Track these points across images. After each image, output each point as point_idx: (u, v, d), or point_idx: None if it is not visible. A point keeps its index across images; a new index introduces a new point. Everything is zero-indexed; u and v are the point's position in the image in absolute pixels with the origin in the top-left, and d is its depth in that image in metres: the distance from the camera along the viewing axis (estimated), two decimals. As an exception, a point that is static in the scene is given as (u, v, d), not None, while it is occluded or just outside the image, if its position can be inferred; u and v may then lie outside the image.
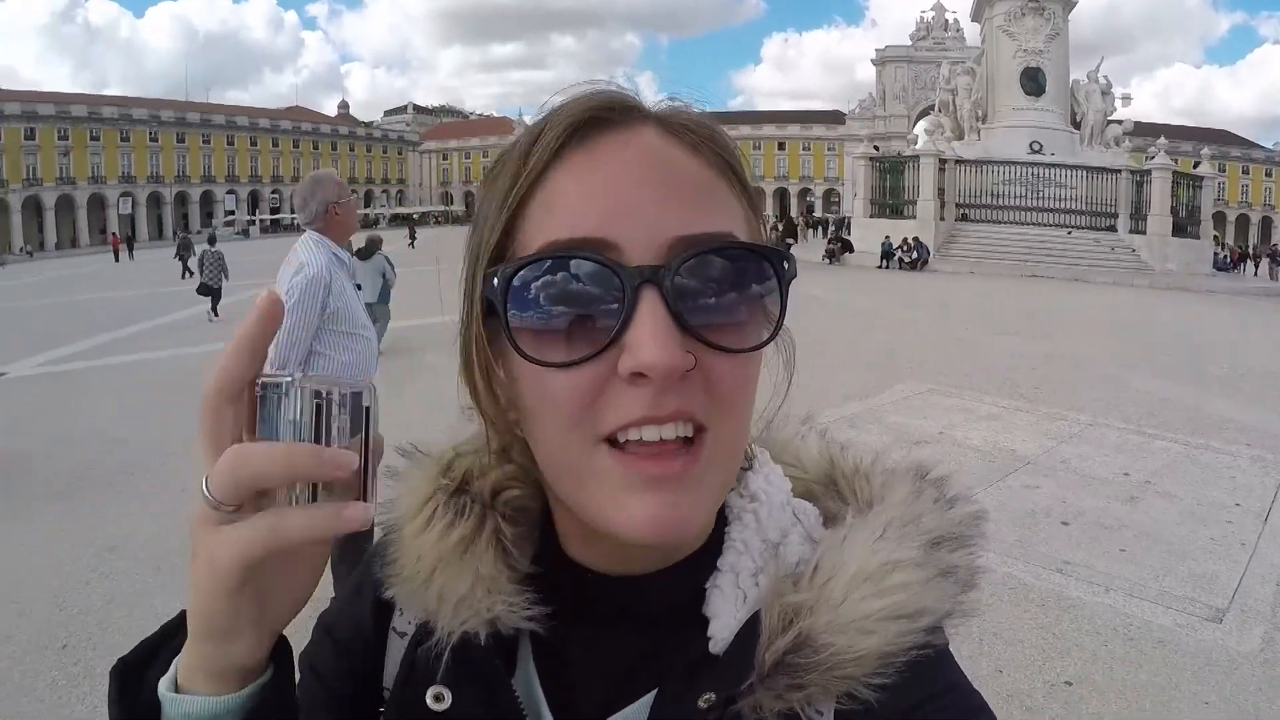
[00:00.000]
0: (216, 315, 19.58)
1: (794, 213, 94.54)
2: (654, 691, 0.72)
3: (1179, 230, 34.39)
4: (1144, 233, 33.95)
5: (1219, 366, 13.43)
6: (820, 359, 12.23)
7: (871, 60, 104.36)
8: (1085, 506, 6.92)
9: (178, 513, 6.40)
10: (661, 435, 0.62)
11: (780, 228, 52.38)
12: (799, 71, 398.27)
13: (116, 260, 55.83)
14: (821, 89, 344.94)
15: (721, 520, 0.76)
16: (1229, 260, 48.57)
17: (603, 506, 0.64)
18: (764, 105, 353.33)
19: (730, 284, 0.64)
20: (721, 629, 0.70)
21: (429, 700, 0.75)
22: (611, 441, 0.63)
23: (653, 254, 0.62)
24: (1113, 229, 34.88)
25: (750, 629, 0.68)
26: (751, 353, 0.66)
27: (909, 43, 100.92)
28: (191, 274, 29.19)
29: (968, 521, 0.74)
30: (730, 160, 0.70)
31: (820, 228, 58.51)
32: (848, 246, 37.05)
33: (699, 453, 0.63)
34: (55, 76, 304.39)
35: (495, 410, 0.73)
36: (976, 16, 45.10)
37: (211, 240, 31.41)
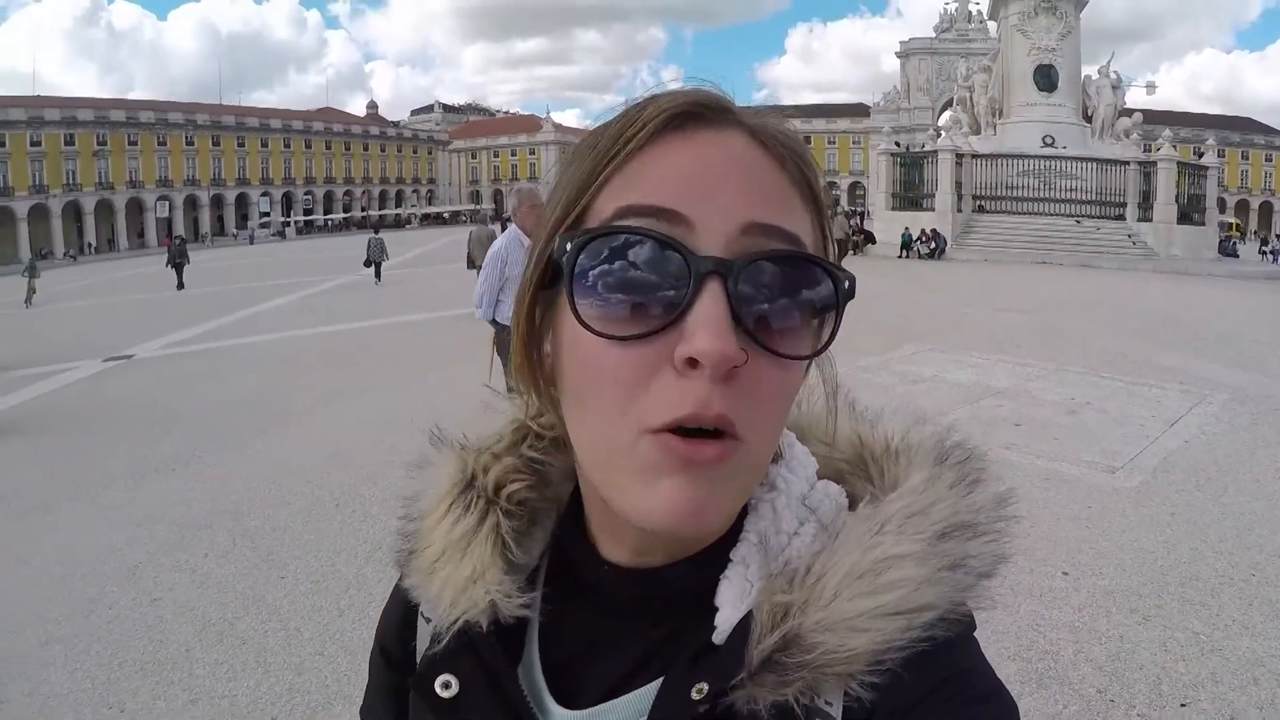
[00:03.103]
0: (380, 281, 28.41)
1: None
2: (660, 679, 0.72)
3: (1184, 218, 36.05)
4: (1151, 220, 35.64)
5: (1186, 333, 15.50)
6: (844, 324, 14.38)
7: (895, 53, 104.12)
8: (1035, 415, 9.26)
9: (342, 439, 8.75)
10: (700, 428, 0.62)
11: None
12: (824, 63, 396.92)
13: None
14: (846, 80, 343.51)
15: (743, 511, 0.75)
16: (1234, 245, 49.88)
17: (632, 489, 0.65)
18: (788, 98, 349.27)
19: (792, 292, 0.65)
20: (724, 620, 0.70)
21: (437, 687, 0.77)
22: (655, 433, 0.63)
23: (725, 238, 0.63)
24: (1121, 218, 36.55)
25: (747, 623, 0.68)
26: (799, 361, 0.67)
27: (933, 35, 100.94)
28: (184, 286, 31.26)
29: (989, 506, 0.73)
30: (810, 177, 0.71)
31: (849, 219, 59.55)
32: (870, 238, 38.73)
33: (731, 452, 0.64)
34: (81, 80, 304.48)
35: (535, 381, 0.76)
36: (993, 15, 46.70)
37: (375, 229, 37.67)
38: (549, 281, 0.70)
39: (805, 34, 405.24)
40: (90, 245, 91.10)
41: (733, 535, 0.74)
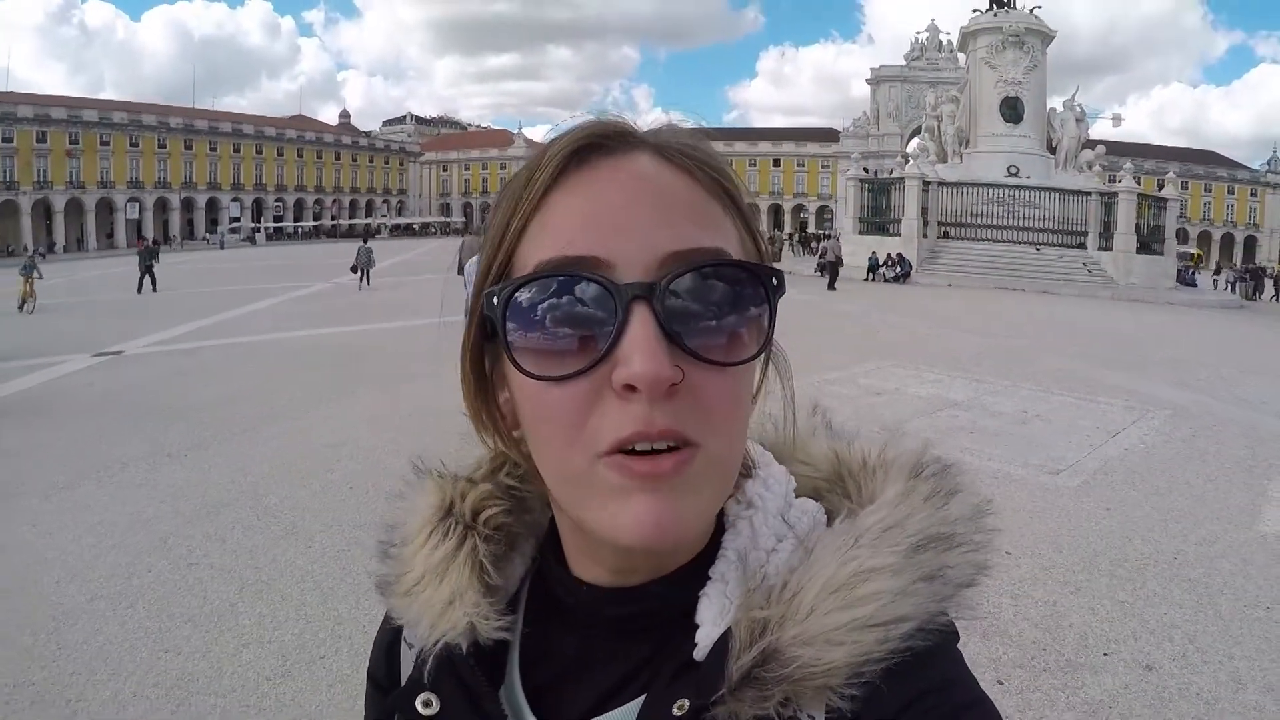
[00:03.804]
0: (369, 284, 30.01)
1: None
2: (642, 696, 0.73)
3: (1144, 248, 37.26)
4: (1111, 250, 36.79)
5: (1136, 355, 16.43)
6: (809, 343, 15.23)
7: (866, 79, 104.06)
8: (988, 425, 10.07)
9: (340, 431, 9.36)
10: (653, 447, 0.64)
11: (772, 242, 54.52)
12: (795, 86, 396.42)
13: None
14: (817, 104, 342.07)
15: (721, 529, 0.77)
16: (1193, 274, 51.12)
17: (600, 514, 0.67)
18: (759, 120, 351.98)
19: (720, 300, 0.66)
20: (704, 637, 0.71)
21: (419, 705, 0.78)
22: (608, 456, 0.65)
23: (645, 270, 0.65)
24: (1083, 246, 37.69)
25: (727, 639, 0.69)
26: (739, 367, 0.68)
27: (904, 63, 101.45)
28: (155, 289, 30.42)
29: (966, 518, 0.74)
30: (724, 182, 0.73)
31: (815, 243, 60.04)
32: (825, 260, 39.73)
33: (690, 460, 0.65)
34: (51, 78, 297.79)
35: (496, 427, 0.80)
36: (962, 47, 48.14)
37: (365, 239, 40.16)
38: (490, 333, 0.72)
39: (777, 57, 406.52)
40: (57, 245, 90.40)
41: (711, 553, 0.76)
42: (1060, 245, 38.01)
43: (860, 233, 40.83)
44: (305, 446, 8.96)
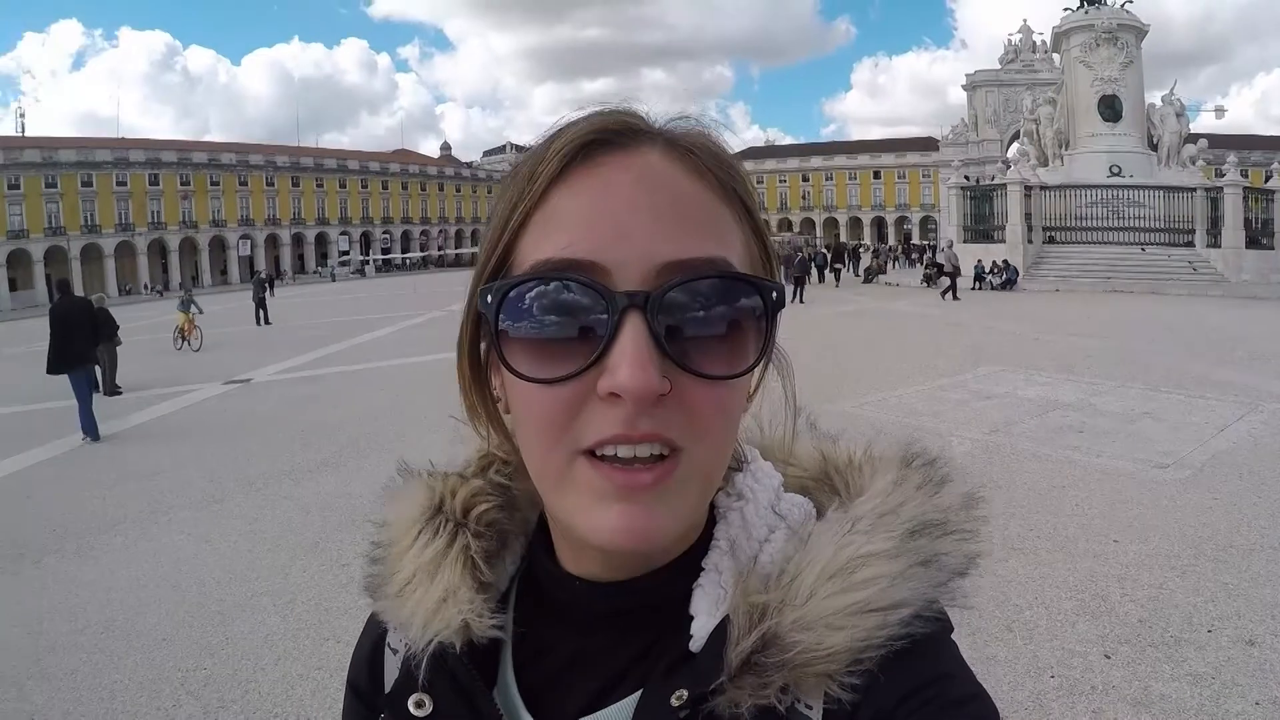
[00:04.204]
0: None
1: (847, 238, 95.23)
2: (639, 690, 0.72)
3: (1253, 242, 36.08)
4: (1219, 246, 35.64)
5: (1240, 351, 16.31)
6: (921, 351, 16.01)
7: (962, 85, 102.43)
8: (1097, 424, 10.31)
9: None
10: (635, 454, 0.64)
11: (827, 251, 53.38)
12: (891, 96, 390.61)
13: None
14: (914, 113, 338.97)
15: (712, 520, 0.77)
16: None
17: (577, 513, 0.67)
18: (857, 132, 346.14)
19: (715, 312, 0.66)
20: (699, 627, 0.71)
21: (411, 707, 0.77)
22: (590, 453, 0.65)
23: (642, 278, 0.64)
24: (1190, 244, 36.58)
25: (724, 628, 0.69)
26: (729, 380, 0.67)
27: (998, 66, 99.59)
28: (269, 321, 32.13)
29: (957, 505, 0.75)
30: (735, 184, 0.72)
31: (920, 254, 58.98)
32: (942, 270, 39.19)
33: (671, 469, 0.65)
34: (159, 123, 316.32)
35: (489, 414, 0.80)
36: (1056, 48, 47.27)
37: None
38: (481, 330, 0.74)
39: (871, 68, 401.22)
40: (172, 282, 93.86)
41: (704, 544, 0.76)
42: (1167, 244, 37.02)
43: (965, 241, 40.19)
44: (445, 461, 9.46)
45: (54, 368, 12.55)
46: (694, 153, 0.70)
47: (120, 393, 16.40)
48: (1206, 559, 6.10)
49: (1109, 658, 4.77)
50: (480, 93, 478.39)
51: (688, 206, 0.67)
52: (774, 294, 0.68)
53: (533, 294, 0.65)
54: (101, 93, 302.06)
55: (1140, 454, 8.90)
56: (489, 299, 0.67)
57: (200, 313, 25.77)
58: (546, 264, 0.66)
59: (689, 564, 0.75)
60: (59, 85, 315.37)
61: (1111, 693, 4.40)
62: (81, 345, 12.71)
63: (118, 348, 17.03)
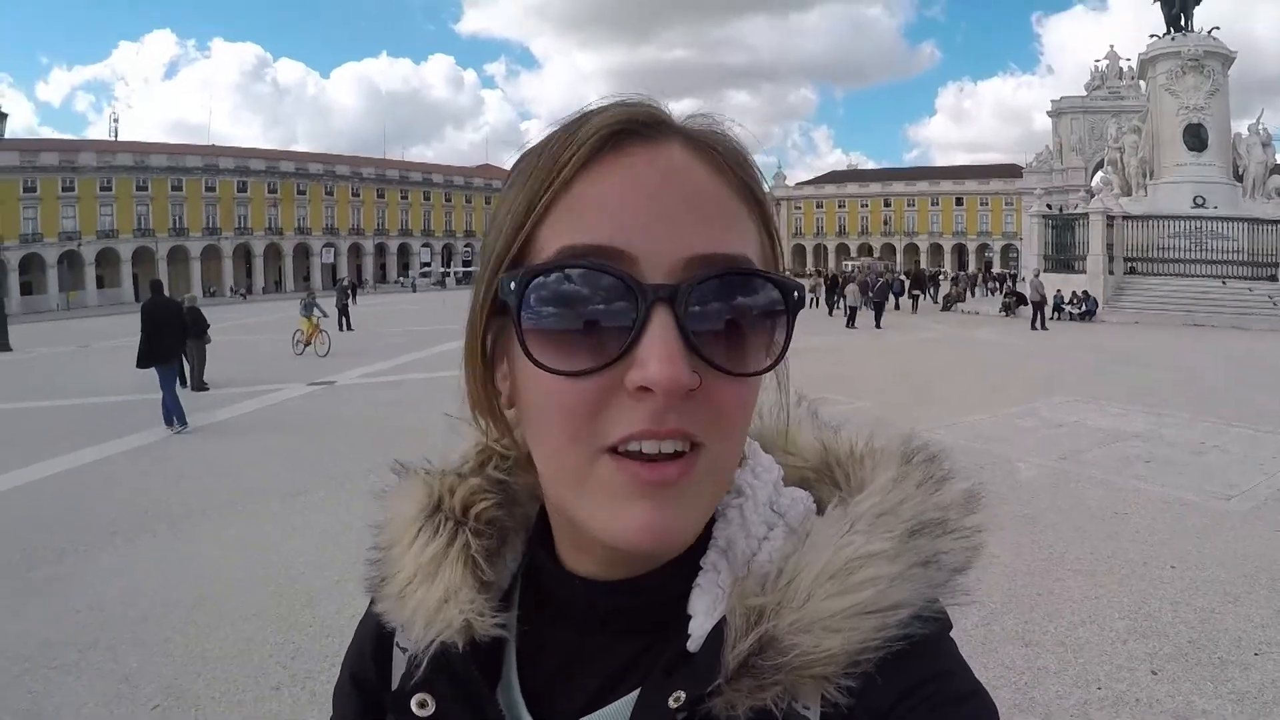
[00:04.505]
0: None
1: (927, 265, 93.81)
2: (637, 690, 0.72)
3: (1339, 276, 35.21)
4: (1305, 281, 34.88)
5: (1317, 387, 16.22)
6: (995, 379, 16.22)
7: (1047, 112, 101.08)
8: (1164, 454, 10.45)
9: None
10: (660, 449, 0.63)
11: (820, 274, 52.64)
12: (975, 122, 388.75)
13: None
14: (998, 139, 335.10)
15: (712, 518, 0.75)
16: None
17: (598, 512, 0.66)
18: (940, 158, 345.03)
19: (741, 309, 0.66)
20: (698, 628, 0.71)
21: (413, 706, 0.76)
22: (613, 450, 0.64)
23: (670, 271, 0.64)
24: (1274, 278, 35.89)
25: (722, 629, 0.68)
26: (754, 377, 0.68)
27: (1084, 92, 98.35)
28: (351, 328, 32.75)
29: (957, 503, 0.74)
30: (752, 184, 0.71)
31: (1000, 283, 57.82)
32: (1022, 300, 38.55)
33: (694, 464, 0.65)
34: (248, 131, 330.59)
35: (491, 405, 0.78)
36: (1141, 75, 46.82)
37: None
38: (496, 310, 0.72)
39: (955, 93, 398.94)
40: (256, 286, 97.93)
41: (702, 542, 0.75)
42: (1249, 278, 36.32)
43: (1045, 270, 39.61)
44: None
45: (143, 361, 13.39)
46: (715, 149, 0.70)
47: (207, 389, 17.18)
48: (1261, 587, 6.26)
49: (1155, 674, 4.98)
50: (565, 110, 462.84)
51: (710, 202, 0.68)
52: (795, 293, 0.69)
53: (559, 282, 0.64)
54: (193, 101, 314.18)
55: (1206, 485, 9.04)
56: (511, 286, 0.65)
57: (325, 315, 25.57)
58: (572, 250, 0.65)
59: (688, 563, 0.74)
60: (151, 92, 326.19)
61: (1155, 706, 4.63)
62: (170, 341, 13.57)
63: (207, 345, 17.89)
